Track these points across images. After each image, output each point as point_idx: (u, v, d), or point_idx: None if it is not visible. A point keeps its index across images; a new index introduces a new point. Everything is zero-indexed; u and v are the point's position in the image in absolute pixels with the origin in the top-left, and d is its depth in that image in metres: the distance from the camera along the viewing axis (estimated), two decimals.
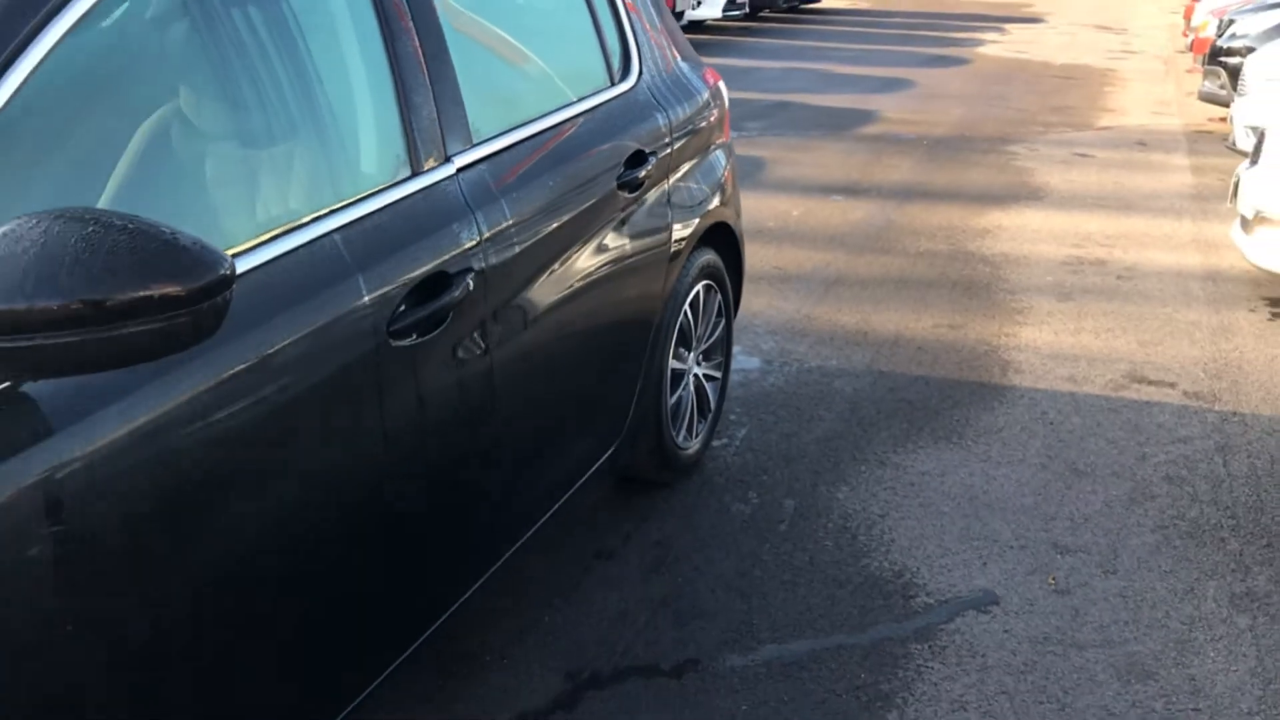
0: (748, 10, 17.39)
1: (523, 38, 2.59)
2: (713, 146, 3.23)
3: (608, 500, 3.18)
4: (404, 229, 1.87)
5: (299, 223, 1.70)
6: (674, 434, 3.11)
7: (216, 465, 1.52)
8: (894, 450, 3.52)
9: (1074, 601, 2.76)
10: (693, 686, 2.43)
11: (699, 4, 15.83)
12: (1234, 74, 8.15)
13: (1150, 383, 4.08)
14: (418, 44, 2.01)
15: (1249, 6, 9.79)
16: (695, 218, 3.00)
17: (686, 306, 3.04)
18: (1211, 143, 8.57)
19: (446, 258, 1.93)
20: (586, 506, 3.10)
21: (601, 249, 2.50)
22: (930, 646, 2.58)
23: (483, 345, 2.05)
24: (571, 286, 2.37)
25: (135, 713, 1.48)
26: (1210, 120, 9.54)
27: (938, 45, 15.39)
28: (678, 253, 2.91)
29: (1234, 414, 3.81)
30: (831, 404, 3.84)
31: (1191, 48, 11.78)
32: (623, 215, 2.61)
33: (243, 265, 1.56)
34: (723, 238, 3.30)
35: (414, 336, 1.85)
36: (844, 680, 2.46)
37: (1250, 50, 8.19)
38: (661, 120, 2.86)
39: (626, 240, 2.62)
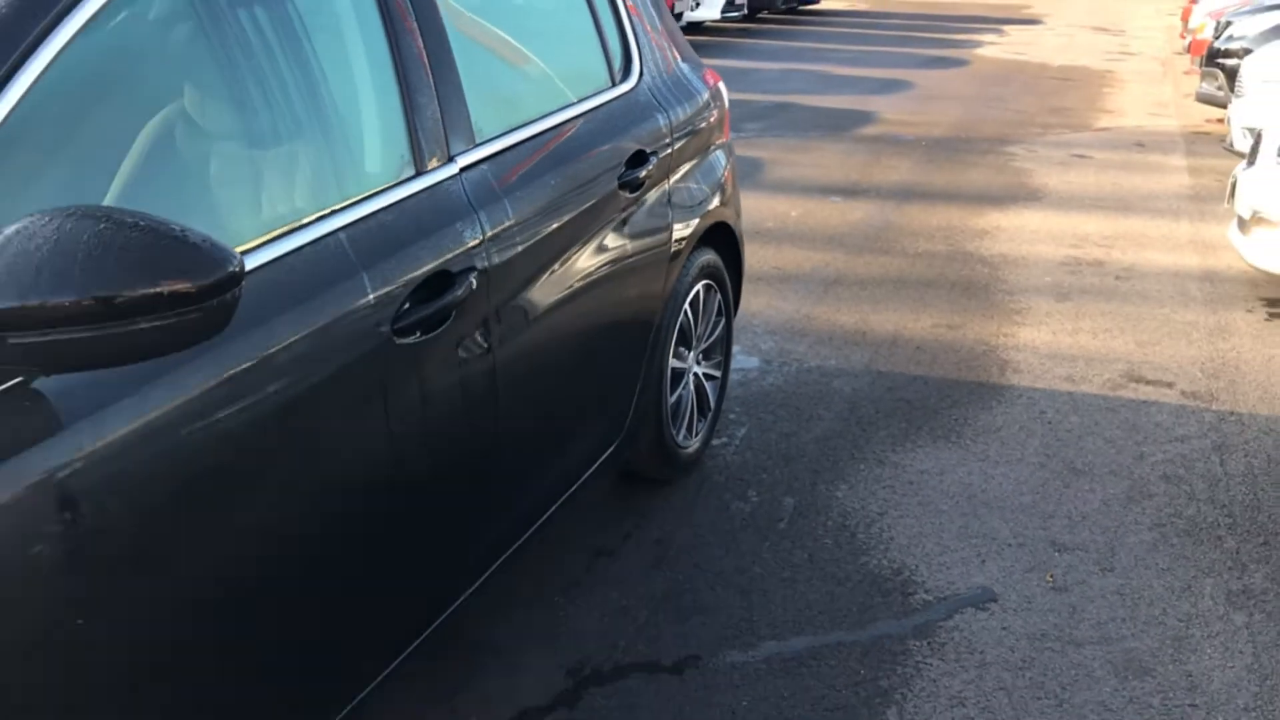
0: (746, 11, 17.42)
1: (525, 39, 2.61)
2: (713, 147, 3.25)
3: (608, 498, 3.20)
4: (408, 228, 1.89)
5: (306, 221, 1.71)
6: (674, 432, 3.13)
7: (225, 460, 1.53)
8: (893, 449, 3.54)
9: (1072, 599, 2.78)
10: (693, 682, 2.45)
11: (697, 5, 15.85)
12: (1231, 75, 8.18)
13: (1148, 382, 4.10)
14: (421, 45, 2.03)
15: (1246, 8, 9.82)
16: (695, 217, 3.02)
17: (686, 306, 3.06)
18: (1209, 144, 8.59)
19: (450, 256, 1.95)
20: (587, 504, 3.12)
21: (602, 248, 2.52)
22: (929, 643, 2.60)
23: (485, 343, 2.07)
24: (573, 285, 2.39)
25: (144, 705, 1.49)
26: (1208, 121, 9.57)
27: (936, 46, 15.42)
28: (678, 252, 2.93)
29: (1231, 413, 3.83)
30: (830, 403, 3.86)
31: (1189, 49, 11.82)
32: (623, 215, 2.63)
33: (251, 263, 1.57)
34: (722, 238, 3.32)
35: (418, 334, 1.87)
36: (843, 676, 2.48)
37: (1247, 52, 8.22)
38: (662, 121, 2.88)
39: (627, 240, 2.64)
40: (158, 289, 1.25)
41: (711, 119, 3.23)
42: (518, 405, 2.22)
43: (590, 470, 2.65)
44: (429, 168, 1.99)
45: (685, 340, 3.15)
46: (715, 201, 3.18)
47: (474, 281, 1.99)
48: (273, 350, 1.59)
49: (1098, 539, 3.04)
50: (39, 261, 1.21)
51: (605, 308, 2.57)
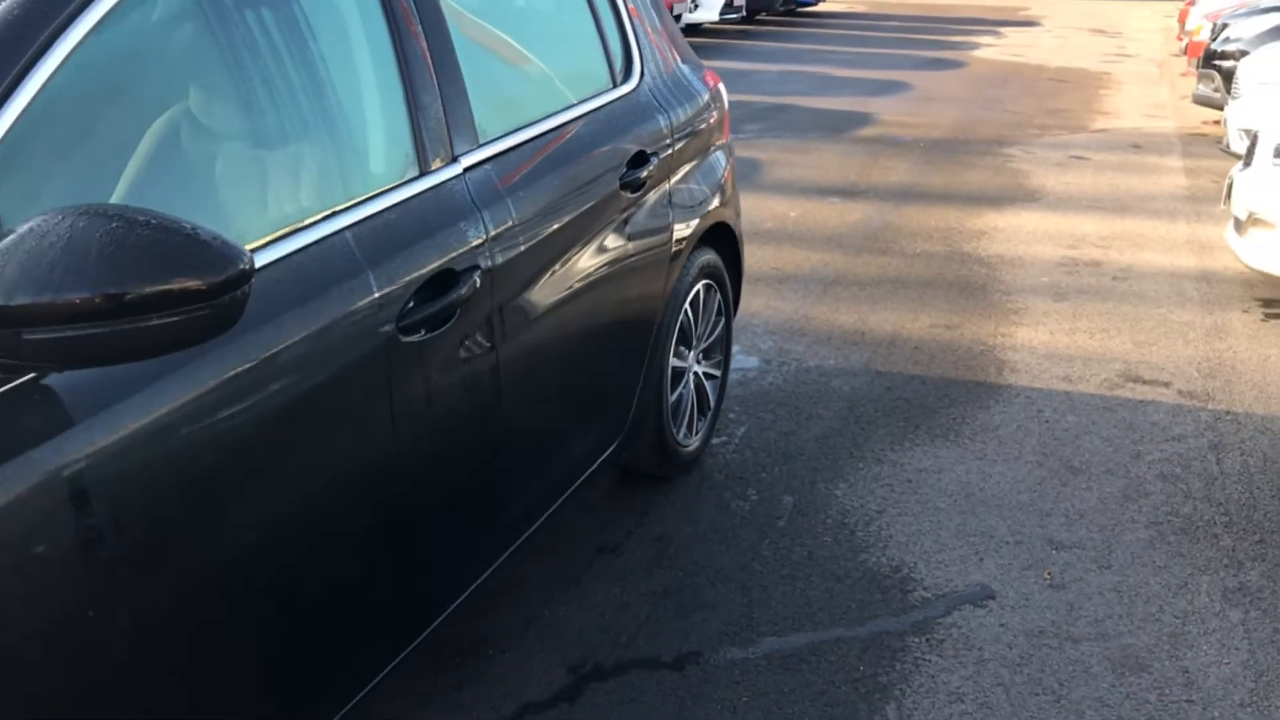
0: (745, 13, 17.44)
1: (527, 41, 2.63)
2: (713, 147, 3.27)
3: (609, 496, 3.22)
4: (413, 227, 1.91)
5: (312, 220, 1.73)
6: (675, 431, 3.15)
7: (232, 455, 1.55)
8: (891, 448, 3.56)
9: (1069, 596, 2.80)
10: (694, 678, 2.47)
11: (696, 7, 15.88)
12: (1228, 77, 8.21)
13: (1145, 382, 4.12)
14: (425, 46, 2.05)
15: (1243, 10, 9.86)
16: (696, 218, 3.04)
17: (687, 305, 3.08)
18: (1205, 145, 8.62)
19: (454, 255, 1.97)
20: (589, 501, 3.14)
21: (604, 248, 2.54)
22: (928, 639, 2.62)
23: (489, 342, 2.09)
24: (575, 285, 2.41)
25: (152, 698, 1.51)
26: (1204, 123, 9.60)
27: (934, 48, 15.45)
28: (679, 252, 2.95)
29: (1227, 413, 3.86)
30: (829, 402, 3.88)
31: (1186, 51, 11.86)
32: (625, 215, 2.65)
33: (259, 261, 1.59)
34: (722, 238, 3.34)
35: (422, 332, 1.89)
36: (843, 672, 2.50)
37: (1244, 54, 8.25)
38: (663, 121, 2.90)
39: (628, 240, 2.66)
40: (169, 286, 1.26)
41: (712, 120, 3.25)
42: (520, 403, 2.24)
43: (592, 468, 2.67)
44: (433, 167, 2.01)
45: (685, 339, 3.17)
46: (715, 202, 3.20)
47: (478, 280, 2.01)
48: (281, 347, 1.61)
49: (1095, 537, 3.07)
50: (53, 259, 1.23)
51: (607, 307, 2.59)
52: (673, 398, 3.11)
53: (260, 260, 1.60)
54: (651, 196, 2.79)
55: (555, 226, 2.32)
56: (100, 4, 1.50)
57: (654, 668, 2.50)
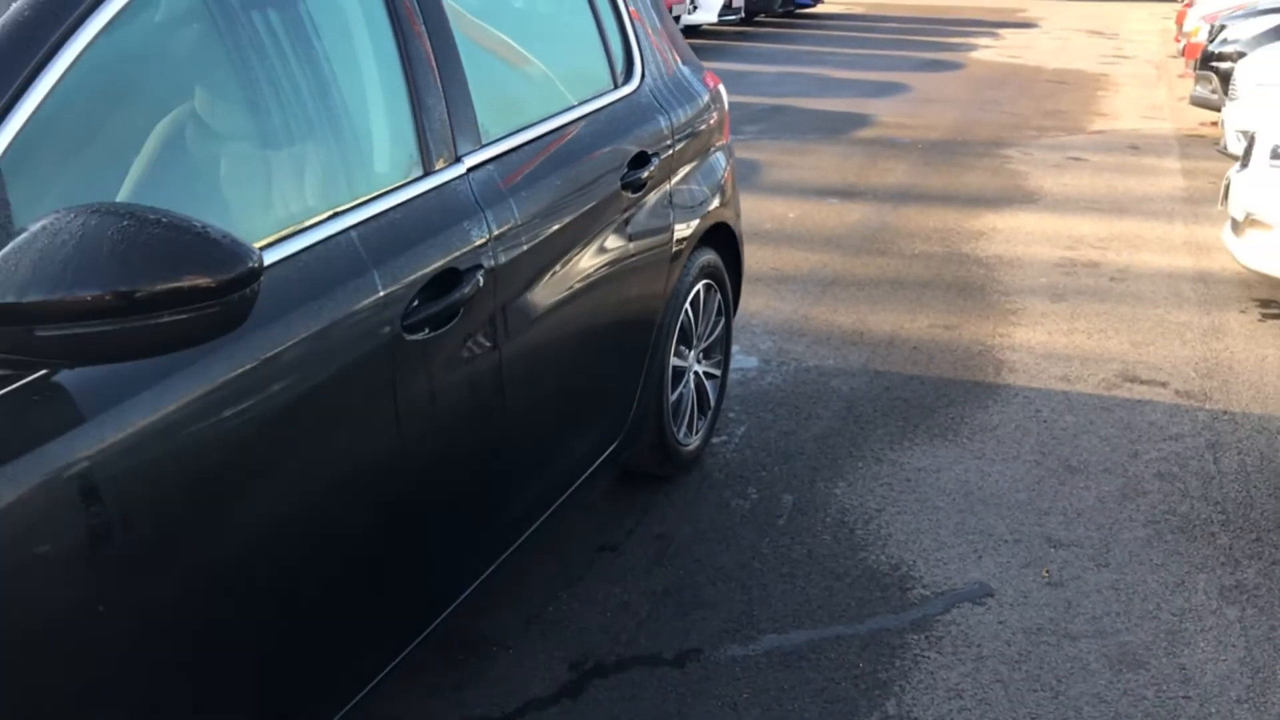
0: (743, 15, 17.46)
1: (529, 42, 2.65)
2: (713, 148, 3.29)
3: (610, 495, 3.24)
4: (417, 227, 1.92)
5: (318, 219, 1.75)
6: (675, 430, 3.17)
7: (239, 452, 1.57)
8: (890, 447, 3.58)
9: (1067, 594, 2.82)
10: (695, 675, 2.49)
11: (695, 8, 15.90)
12: (1225, 79, 8.24)
13: (1142, 382, 4.14)
14: (429, 47, 2.07)
15: (1240, 12, 9.88)
16: (696, 218, 3.06)
17: (687, 305, 3.10)
18: (1203, 147, 8.65)
19: (457, 255, 1.99)
20: (590, 501, 3.16)
21: (605, 248, 2.56)
22: (927, 637, 2.63)
23: (491, 341, 2.11)
24: (576, 284, 2.42)
25: (155, 695, 1.53)
26: (1202, 124, 9.62)
27: (932, 50, 15.48)
28: (679, 252, 2.97)
29: (1224, 412, 3.88)
30: (829, 402, 3.90)
31: (1183, 53, 11.88)
32: (626, 215, 2.66)
33: (267, 259, 1.60)
34: (722, 238, 3.36)
35: (426, 331, 1.90)
36: (843, 669, 2.51)
37: (1241, 55, 8.27)
38: (664, 122, 2.92)
39: (629, 240, 2.68)
40: (179, 283, 1.28)
41: (712, 121, 3.27)
42: (522, 402, 2.26)
43: (593, 466, 2.69)
44: (437, 168, 2.03)
45: (686, 339, 3.18)
46: (715, 202, 3.22)
47: (481, 279, 2.03)
48: (288, 345, 1.62)
49: (1093, 535, 3.08)
50: (64, 257, 1.24)
51: (608, 306, 2.61)
52: (673, 397, 3.13)
53: (267, 259, 1.61)
54: (652, 197, 2.81)
55: (557, 226, 2.33)
56: (109, 6, 1.51)
57: (655, 665, 2.52)
